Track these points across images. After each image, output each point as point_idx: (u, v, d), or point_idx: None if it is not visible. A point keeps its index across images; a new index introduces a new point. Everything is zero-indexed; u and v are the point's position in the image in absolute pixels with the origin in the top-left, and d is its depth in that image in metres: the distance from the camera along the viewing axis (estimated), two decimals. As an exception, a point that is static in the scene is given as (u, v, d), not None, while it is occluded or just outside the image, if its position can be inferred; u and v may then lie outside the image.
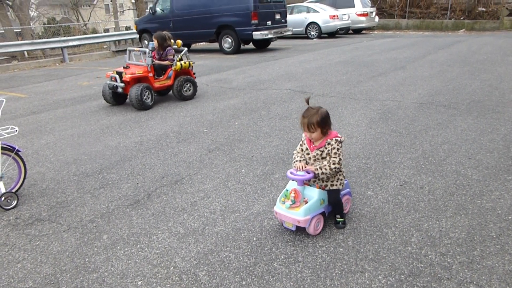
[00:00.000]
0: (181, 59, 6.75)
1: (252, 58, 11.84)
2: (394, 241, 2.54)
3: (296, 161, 2.73)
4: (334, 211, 2.76)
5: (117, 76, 6.29)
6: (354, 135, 4.55)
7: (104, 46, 18.19)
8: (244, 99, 6.62)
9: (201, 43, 16.56)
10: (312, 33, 17.72)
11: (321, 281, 2.22)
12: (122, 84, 6.25)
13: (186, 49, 6.91)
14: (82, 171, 3.99)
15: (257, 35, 12.41)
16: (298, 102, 6.18)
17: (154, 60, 6.46)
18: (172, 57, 6.63)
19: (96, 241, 2.75)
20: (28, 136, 5.26)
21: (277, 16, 13.34)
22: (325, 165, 2.61)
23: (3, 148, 3.30)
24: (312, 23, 17.62)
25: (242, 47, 13.53)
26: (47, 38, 18.09)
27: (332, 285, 2.19)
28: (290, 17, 15.97)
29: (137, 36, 15.89)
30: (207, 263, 2.43)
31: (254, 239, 2.66)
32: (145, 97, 6.22)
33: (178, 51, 6.82)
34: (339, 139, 2.63)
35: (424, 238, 2.56)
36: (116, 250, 2.62)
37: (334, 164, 2.60)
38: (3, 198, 3.23)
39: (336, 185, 2.71)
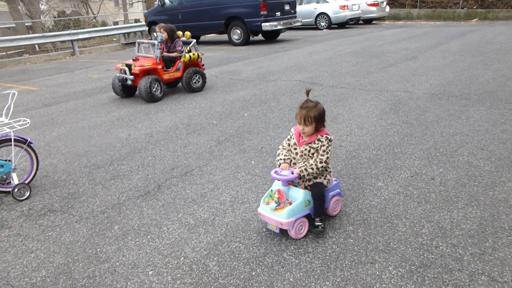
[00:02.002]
0: (189, 51, 6.75)
1: (261, 50, 11.78)
2: (405, 232, 2.53)
3: (281, 159, 2.63)
4: (314, 211, 2.57)
5: (127, 69, 6.29)
6: (365, 126, 4.51)
7: (114, 39, 18.25)
8: (254, 91, 6.60)
9: (210, 35, 16.53)
10: (322, 23, 17.57)
11: (331, 271, 2.22)
12: (132, 77, 6.25)
13: (194, 40, 6.90)
14: (93, 163, 4.02)
15: (266, 26, 12.33)
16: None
17: (163, 52, 6.47)
18: (180, 48, 6.62)
19: (108, 231, 2.78)
20: (40, 128, 5.32)
21: (287, 7, 13.23)
22: (311, 164, 2.49)
23: (15, 140, 3.35)
24: (322, 14, 17.47)
25: (251, 38, 13.46)
26: (57, 31, 18.19)
27: (342, 276, 2.18)
28: (299, 8, 15.84)
29: (146, 28, 15.91)
30: (217, 254, 2.44)
31: (264, 230, 2.66)
32: (154, 89, 6.24)
33: (186, 43, 6.82)
34: (329, 137, 2.54)
35: (435, 229, 2.54)
36: (127, 241, 2.65)
37: (321, 162, 2.49)
38: (16, 189, 3.28)
39: (321, 179, 2.59)
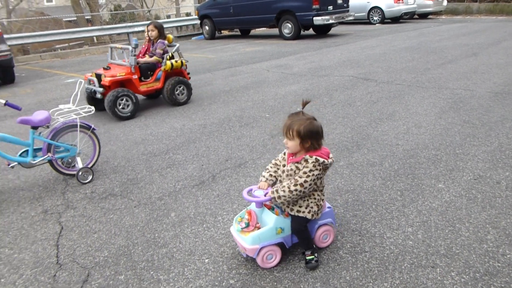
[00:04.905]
0: (172, 57, 5.72)
1: (312, 44, 11.64)
2: (468, 238, 2.41)
3: (263, 176, 2.35)
4: (301, 245, 2.30)
5: (95, 79, 5.30)
6: (423, 125, 4.33)
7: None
8: (306, 85, 6.53)
9: (260, 29, 16.55)
10: (375, 18, 17.05)
11: (389, 273, 2.16)
12: (101, 89, 5.20)
13: (178, 45, 5.81)
14: (150, 151, 4.16)
15: (318, 20, 12.14)
16: (362, 89, 6.00)
17: (137, 59, 5.42)
18: (161, 52, 5.59)
19: (165, 218, 2.87)
20: (100, 116, 5.56)
21: (339, 1, 12.97)
22: (284, 186, 2.12)
23: (81, 126, 3.52)
24: (375, 8, 16.93)
25: (302, 32, 13.32)
26: (114, 24, 18.95)
27: (401, 278, 2.12)
28: (352, 2, 15.42)
29: (198, 22, 16.18)
30: (272, 246, 2.44)
31: (319, 225, 2.62)
32: (122, 106, 5.21)
33: (168, 47, 5.78)
34: (321, 160, 2.11)
35: (502, 236, 2.40)
36: (183, 228, 2.72)
37: (295, 185, 2.09)
38: (80, 173, 3.46)
39: (304, 212, 2.22)
